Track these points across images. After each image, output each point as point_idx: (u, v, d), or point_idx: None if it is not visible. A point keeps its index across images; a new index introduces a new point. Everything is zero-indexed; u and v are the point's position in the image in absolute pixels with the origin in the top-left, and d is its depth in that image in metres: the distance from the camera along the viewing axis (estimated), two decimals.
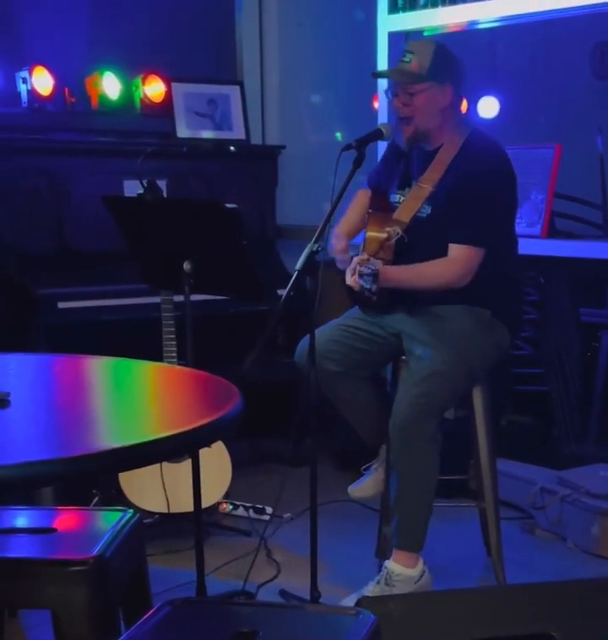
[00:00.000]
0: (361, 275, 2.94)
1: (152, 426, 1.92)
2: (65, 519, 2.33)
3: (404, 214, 3.15)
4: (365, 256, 3.00)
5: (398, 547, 3.15)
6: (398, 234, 3.03)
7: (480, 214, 3.10)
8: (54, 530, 2.23)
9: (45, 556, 2.12)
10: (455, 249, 3.11)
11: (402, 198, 3.24)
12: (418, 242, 3.09)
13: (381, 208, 3.29)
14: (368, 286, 2.92)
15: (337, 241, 3.19)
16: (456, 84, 3.19)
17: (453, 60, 3.19)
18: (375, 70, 4.21)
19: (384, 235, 3.11)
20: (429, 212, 3.16)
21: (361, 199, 3.42)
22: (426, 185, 3.16)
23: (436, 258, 3.12)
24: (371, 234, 3.19)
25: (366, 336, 3.25)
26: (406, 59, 3.14)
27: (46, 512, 2.43)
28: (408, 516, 3.14)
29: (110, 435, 1.91)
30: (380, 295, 2.99)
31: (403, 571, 3.11)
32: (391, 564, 3.13)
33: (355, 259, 3.05)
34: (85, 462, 1.63)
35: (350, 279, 3.08)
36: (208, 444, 1.91)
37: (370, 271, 2.91)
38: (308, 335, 2.95)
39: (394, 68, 3.22)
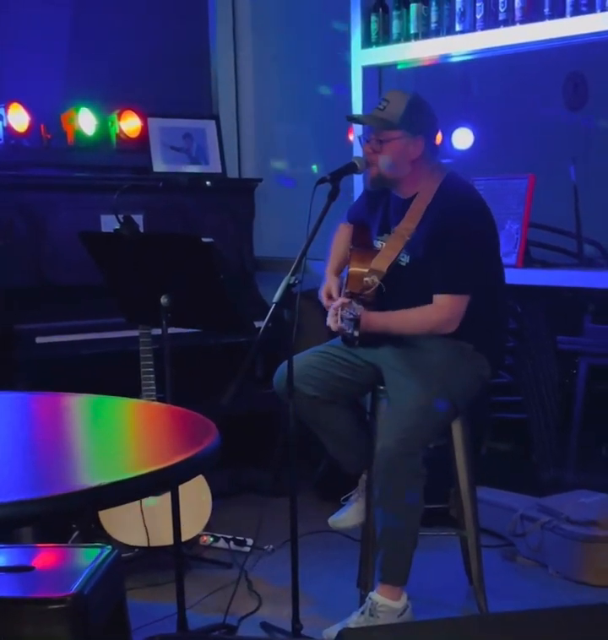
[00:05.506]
0: (342, 319, 2.93)
1: (130, 464, 1.91)
2: (43, 557, 2.32)
3: (381, 263, 3.15)
4: (346, 300, 2.98)
5: (382, 581, 3.14)
6: (375, 283, 3.04)
7: (460, 260, 3.10)
8: (32, 568, 2.22)
9: (23, 595, 2.11)
10: (440, 299, 3.11)
11: (382, 245, 3.25)
12: (398, 289, 3.10)
13: (362, 243, 3.31)
14: (350, 331, 2.90)
15: (327, 299, 3.25)
16: (430, 135, 3.20)
17: (428, 113, 3.20)
18: (349, 104, 4.26)
19: (365, 270, 3.12)
20: (407, 260, 3.16)
21: (343, 233, 3.45)
22: (402, 233, 3.16)
23: (416, 304, 3.12)
24: (353, 269, 3.21)
25: (344, 363, 3.26)
26: (381, 107, 3.17)
27: (24, 550, 2.42)
28: (393, 551, 3.13)
29: (89, 473, 1.91)
30: (362, 339, 2.98)
31: (387, 602, 3.11)
32: (375, 595, 3.13)
33: (338, 301, 3.06)
34: (64, 501, 1.63)
35: (330, 320, 3.09)
36: (186, 480, 1.91)
37: (352, 316, 2.88)
38: (286, 361, 2.97)
39: (368, 114, 3.24)
